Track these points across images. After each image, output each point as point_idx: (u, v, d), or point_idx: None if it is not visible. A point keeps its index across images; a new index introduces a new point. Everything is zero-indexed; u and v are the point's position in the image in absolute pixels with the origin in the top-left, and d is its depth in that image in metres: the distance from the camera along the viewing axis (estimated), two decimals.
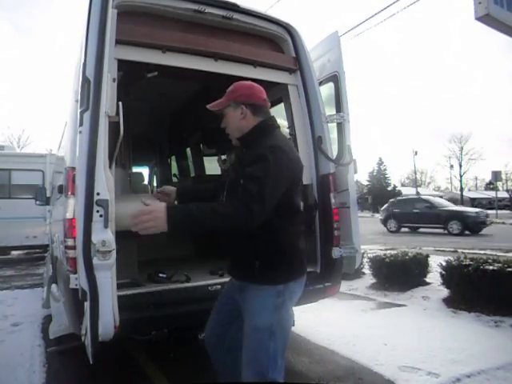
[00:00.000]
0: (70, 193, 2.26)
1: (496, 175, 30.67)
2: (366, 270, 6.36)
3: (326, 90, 3.41)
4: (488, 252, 8.48)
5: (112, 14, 2.32)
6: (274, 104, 4.15)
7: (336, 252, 3.05)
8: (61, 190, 2.72)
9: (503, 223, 22.77)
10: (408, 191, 60.65)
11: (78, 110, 2.17)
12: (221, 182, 2.11)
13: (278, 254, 1.72)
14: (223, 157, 5.16)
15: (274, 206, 1.61)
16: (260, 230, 1.61)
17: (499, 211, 34.39)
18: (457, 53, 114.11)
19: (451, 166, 64.22)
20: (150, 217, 1.48)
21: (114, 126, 2.29)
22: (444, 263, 4.83)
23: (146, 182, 6.79)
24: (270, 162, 1.60)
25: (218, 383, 2.12)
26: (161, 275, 2.79)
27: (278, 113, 4.23)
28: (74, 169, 2.23)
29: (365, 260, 6.23)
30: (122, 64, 2.63)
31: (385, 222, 17.90)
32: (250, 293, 1.76)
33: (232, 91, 1.90)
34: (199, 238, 3.83)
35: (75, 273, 2.15)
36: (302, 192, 1.93)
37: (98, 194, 2.07)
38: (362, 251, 4.42)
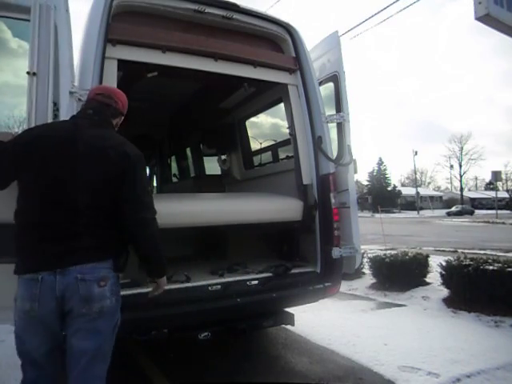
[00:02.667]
0: None
1: (496, 175, 30.71)
2: (366, 270, 6.36)
3: (325, 90, 3.41)
4: (488, 252, 8.48)
5: None
6: (273, 104, 4.19)
7: (336, 252, 3.05)
8: None
9: (503, 223, 22.75)
10: (408, 191, 60.75)
11: None
12: None
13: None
14: (223, 157, 5.16)
15: None
16: None
17: (499, 211, 34.41)
18: (456, 53, 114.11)
19: (451, 166, 64.36)
20: None
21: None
22: (444, 263, 4.83)
23: None
24: None
25: (217, 383, 2.12)
26: None
27: (278, 113, 4.25)
28: None
29: (365, 260, 6.24)
30: (122, 64, 2.63)
31: None
32: None
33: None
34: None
35: None
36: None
37: None
38: (362, 251, 4.44)
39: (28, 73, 2.06)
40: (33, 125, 2.01)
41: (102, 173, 1.66)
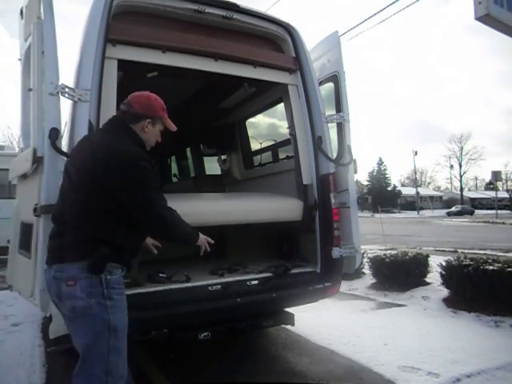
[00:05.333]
0: None
1: (496, 175, 30.71)
2: (366, 270, 6.36)
3: (325, 90, 3.41)
4: (488, 252, 8.48)
5: None
6: (273, 104, 4.19)
7: (336, 252, 3.05)
8: None
9: (503, 223, 22.75)
10: (408, 191, 60.74)
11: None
12: None
13: None
14: (223, 157, 5.16)
15: None
16: None
17: (499, 211, 34.41)
18: (454, 54, 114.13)
19: (451, 166, 64.35)
20: None
21: None
22: (444, 263, 4.83)
23: None
24: None
25: (217, 383, 2.12)
26: (161, 275, 2.78)
27: (278, 113, 4.25)
28: None
29: (365, 260, 6.23)
30: (122, 64, 2.63)
31: None
32: None
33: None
34: None
35: None
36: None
37: None
38: (362, 251, 4.43)
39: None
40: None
41: (88, 171, 1.68)
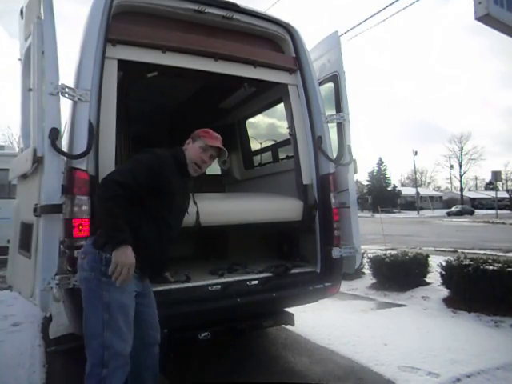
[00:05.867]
0: None
1: (496, 175, 30.70)
2: (366, 270, 6.36)
3: (325, 90, 3.41)
4: (488, 252, 8.47)
5: None
6: (273, 104, 4.19)
7: (336, 252, 3.05)
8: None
9: (503, 223, 22.75)
10: (408, 191, 60.74)
11: None
12: None
13: None
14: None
15: None
16: None
17: (499, 211, 34.41)
18: (452, 54, 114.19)
19: (451, 166, 64.32)
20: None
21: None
22: (444, 263, 4.83)
23: None
24: None
25: (217, 383, 2.12)
26: None
27: (278, 113, 4.25)
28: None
29: (365, 260, 6.23)
30: (122, 64, 2.63)
31: None
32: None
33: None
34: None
35: (75, 273, 2.16)
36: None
37: None
38: (362, 251, 4.43)
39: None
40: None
41: None
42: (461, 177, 64.77)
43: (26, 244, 2.48)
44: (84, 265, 1.83)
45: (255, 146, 4.84)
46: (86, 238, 2.21)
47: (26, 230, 2.50)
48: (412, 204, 54.72)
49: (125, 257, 1.64)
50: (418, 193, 51.31)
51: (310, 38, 3.44)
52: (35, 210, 2.19)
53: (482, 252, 8.34)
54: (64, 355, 3.28)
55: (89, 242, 1.89)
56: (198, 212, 2.68)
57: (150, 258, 1.88)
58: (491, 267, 4.23)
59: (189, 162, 2.10)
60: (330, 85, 3.38)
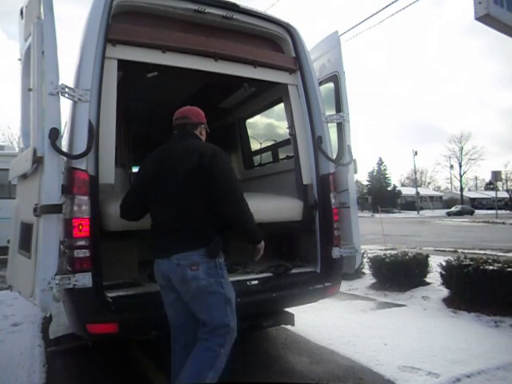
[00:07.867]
0: None
1: (496, 175, 30.72)
2: (366, 270, 6.36)
3: (325, 90, 3.41)
4: (488, 252, 8.47)
5: None
6: (273, 104, 4.19)
7: (336, 252, 3.05)
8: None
9: (503, 223, 22.75)
10: (408, 191, 60.74)
11: None
12: None
13: None
14: None
15: None
16: None
17: (499, 211, 34.41)
18: (451, 54, 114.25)
19: (451, 166, 64.31)
20: None
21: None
22: (444, 263, 4.83)
23: None
24: None
25: (217, 383, 2.13)
26: None
27: (278, 113, 4.25)
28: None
29: (365, 260, 6.23)
30: (122, 64, 2.63)
31: None
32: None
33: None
34: None
35: (75, 273, 2.17)
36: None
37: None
38: (362, 251, 4.43)
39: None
40: None
41: (191, 169, 2.10)
42: (461, 177, 64.84)
43: (26, 244, 2.48)
44: (200, 275, 2.03)
45: (255, 145, 4.84)
46: (86, 238, 2.22)
47: (26, 229, 2.50)
48: (412, 204, 54.72)
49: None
50: (417, 193, 51.32)
51: (310, 38, 3.44)
52: (35, 209, 2.19)
53: (482, 252, 8.34)
54: (64, 355, 3.28)
55: (198, 253, 2.05)
56: None
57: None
58: (491, 267, 4.23)
59: None
60: (330, 85, 3.38)
